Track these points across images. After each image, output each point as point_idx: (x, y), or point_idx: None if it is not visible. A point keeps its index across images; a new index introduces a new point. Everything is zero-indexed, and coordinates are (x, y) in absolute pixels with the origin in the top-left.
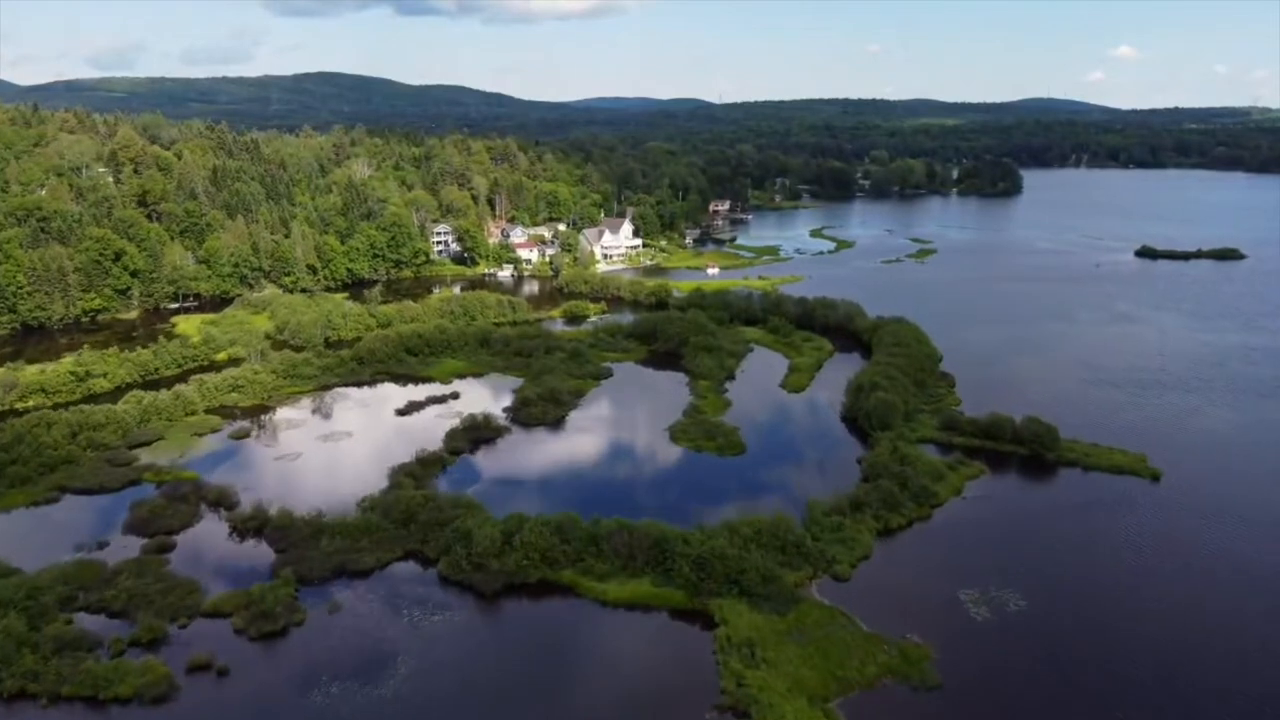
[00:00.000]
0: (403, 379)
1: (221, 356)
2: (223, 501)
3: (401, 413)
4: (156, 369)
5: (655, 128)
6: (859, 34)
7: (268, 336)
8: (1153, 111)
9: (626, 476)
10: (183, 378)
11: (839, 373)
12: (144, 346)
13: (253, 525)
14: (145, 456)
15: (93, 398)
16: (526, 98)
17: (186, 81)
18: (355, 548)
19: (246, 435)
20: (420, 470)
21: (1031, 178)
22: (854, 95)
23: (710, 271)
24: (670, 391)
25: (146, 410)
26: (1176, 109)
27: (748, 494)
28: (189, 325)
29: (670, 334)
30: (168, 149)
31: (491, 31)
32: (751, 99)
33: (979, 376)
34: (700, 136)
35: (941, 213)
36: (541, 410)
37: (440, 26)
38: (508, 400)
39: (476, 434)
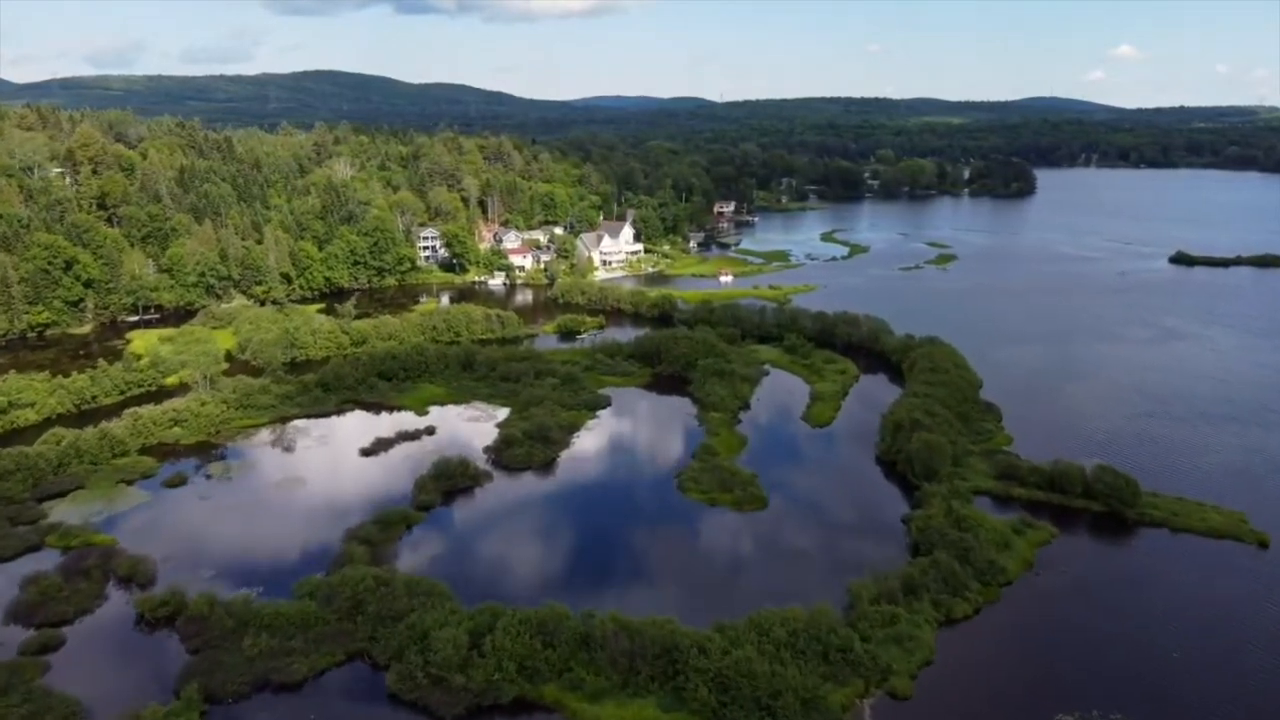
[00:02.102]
0: (374, 408)
1: (172, 381)
2: (136, 575)
3: (367, 452)
4: (94, 397)
5: (656, 127)
6: (859, 33)
7: (229, 356)
8: (1159, 110)
9: (626, 543)
10: (126, 407)
11: (868, 401)
12: (80, 371)
13: (164, 613)
14: (57, 511)
15: (14, 434)
16: (527, 96)
17: (184, 80)
18: (285, 648)
19: (182, 483)
20: (378, 533)
21: (1042, 178)
22: (856, 94)
23: (723, 280)
24: (677, 425)
25: (66, 452)
26: (1183, 108)
27: (773, 568)
28: (145, 341)
29: (676, 355)
30: (134, 147)
31: (492, 30)
32: (753, 98)
33: (1026, 408)
34: (702, 135)
35: (955, 215)
36: (527, 451)
37: (440, 25)
38: (490, 436)
39: (450, 482)
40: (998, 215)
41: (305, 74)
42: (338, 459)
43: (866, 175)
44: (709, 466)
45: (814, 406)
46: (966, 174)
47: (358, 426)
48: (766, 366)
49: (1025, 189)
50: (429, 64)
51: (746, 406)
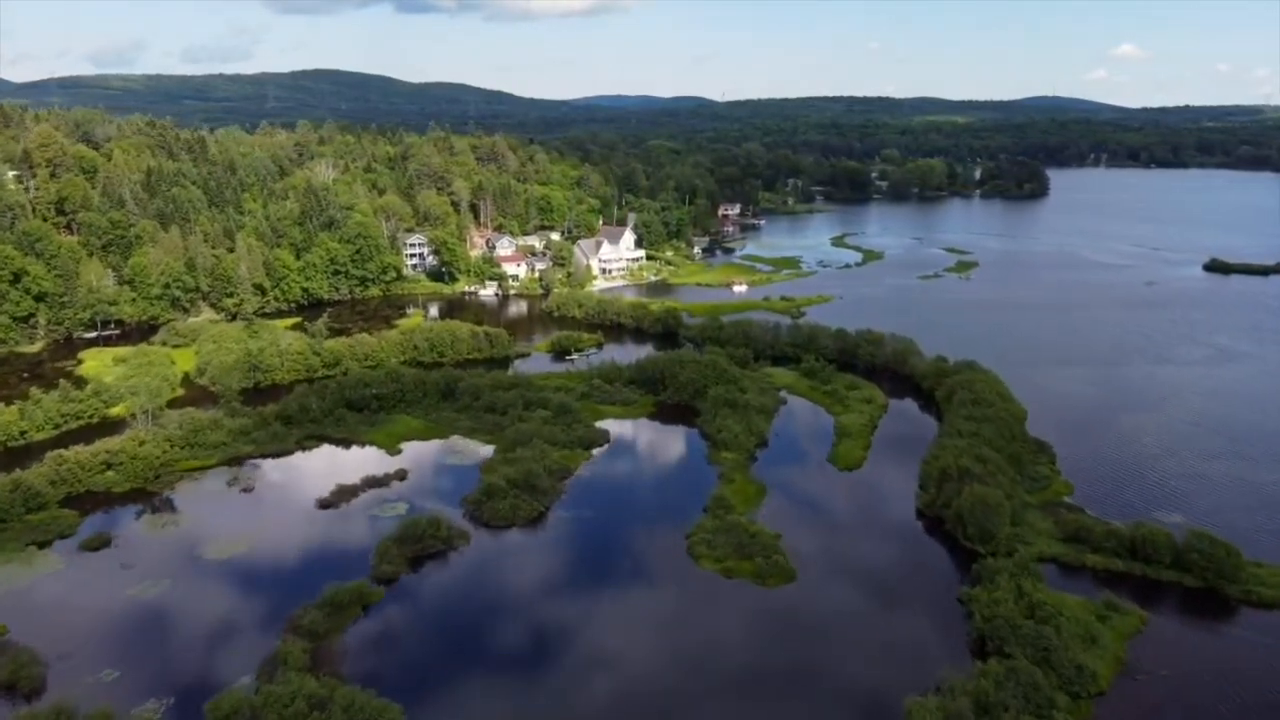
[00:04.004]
0: (342, 443)
1: (118, 411)
2: (20, 680)
3: (326, 504)
4: (24, 432)
5: (657, 126)
6: (859, 32)
7: (187, 379)
8: (1164, 110)
9: (628, 636)
10: (64, 444)
11: (901, 437)
12: (9, 403)
13: None
14: None
15: None
16: (527, 96)
17: (183, 79)
18: None
19: (104, 545)
20: (324, 620)
21: (1053, 178)
22: (857, 93)
23: (737, 289)
24: (685, 468)
25: None
26: (1188, 107)
27: (809, 673)
28: (98, 362)
29: (682, 382)
30: (101, 148)
31: (492, 29)
32: (754, 97)
33: (1080, 446)
34: (704, 135)
35: (968, 217)
36: (512, 504)
37: (440, 24)
38: (470, 482)
39: (419, 546)
40: (1013, 218)
41: (304, 73)
42: (290, 513)
43: (874, 176)
44: (724, 525)
45: (840, 444)
46: (977, 174)
47: (319, 470)
48: (783, 393)
49: (1038, 190)
50: (429, 63)
51: (764, 444)
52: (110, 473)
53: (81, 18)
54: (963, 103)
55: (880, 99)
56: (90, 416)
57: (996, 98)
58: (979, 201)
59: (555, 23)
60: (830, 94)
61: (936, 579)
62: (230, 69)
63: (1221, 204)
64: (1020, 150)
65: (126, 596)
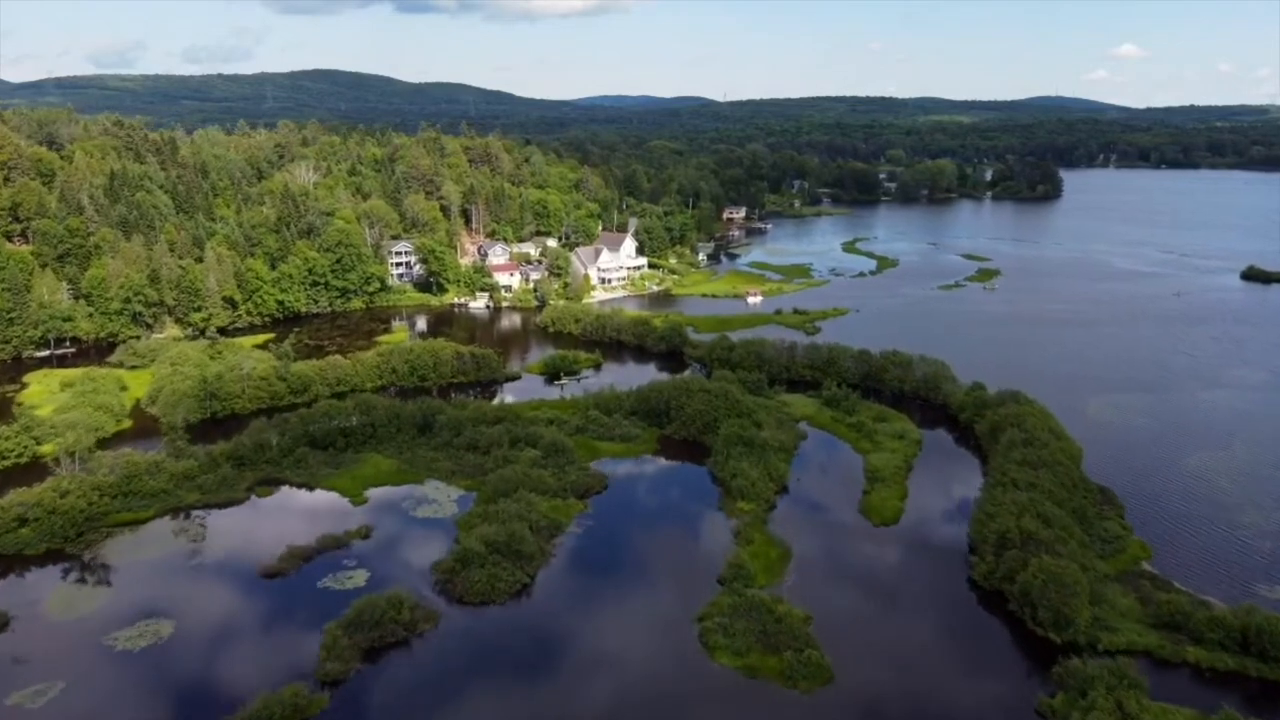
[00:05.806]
0: (302, 488)
1: (49, 449)
2: None
3: (271, 573)
4: None
5: (659, 126)
6: (860, 32)
7: (138, 408)
8: (1170, 110)
9: None
10: None
11: (941, 481)
12: None
13: None
14: None
15: None
16: (527, 95)
17: (181, 79)
18: None
19: (2, 627)
20: None
21: (1064, 179)
22: (860, 93)
23: (751, 300)
24: (695, 521)
25: None
26: (1193, 107)
27: None
28: (45, 387)
29: (690, 415)
30: (62, 150)
31: (492, 29)
32: (756, 97)
33: (1147, 492)
34: (706, 135)
35: (982, 221)
36: (490, 574)
37: (441, 24)
38: (444, 543)
39: (376, 632)
40: (1028, 221)
41: (303, 73)
42: (228, 584)
43: (882, 177)
44: (741, 602)
45: (873, 492)
46: (988, 176)
47: (270, 525)
48: (803, 426)
49: (1051, 192)
50: (429, 63)
51: (784, 489)
52: (24, 530)
53: (83, 18)
54: (966, 102)
55: (883, 99)
56: (18, 456)
57: (999, 98)
58: (990, 204)
59: (555, 23)
60: (833, 94)
61: (1006, 678)
62: (231, 69)
63: (1242, 206)
64: (1028, 150)
65: (7, 708)
